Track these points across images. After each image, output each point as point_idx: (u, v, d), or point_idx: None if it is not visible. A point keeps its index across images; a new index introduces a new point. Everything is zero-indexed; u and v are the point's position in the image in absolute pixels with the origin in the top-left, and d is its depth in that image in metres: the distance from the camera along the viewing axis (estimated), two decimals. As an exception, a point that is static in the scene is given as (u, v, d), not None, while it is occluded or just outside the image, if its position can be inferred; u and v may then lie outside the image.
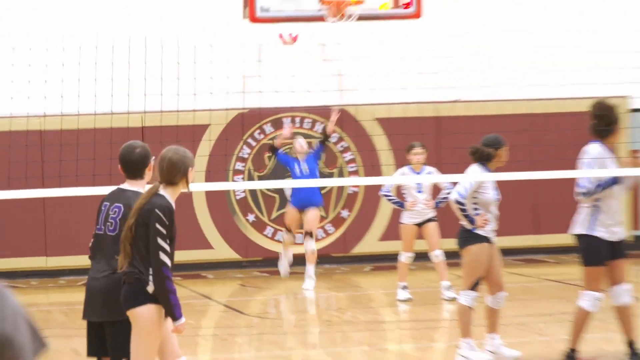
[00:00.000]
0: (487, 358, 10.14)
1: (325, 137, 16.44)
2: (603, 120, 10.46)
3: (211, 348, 14.25)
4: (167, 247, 7.57)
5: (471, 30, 19.65)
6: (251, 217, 19.01)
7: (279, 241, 18.35)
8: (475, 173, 11.49)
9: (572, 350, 10.16)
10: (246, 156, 19.32)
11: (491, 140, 10.74)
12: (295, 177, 16.29)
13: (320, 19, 15.82)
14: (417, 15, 15.90)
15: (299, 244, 17.49)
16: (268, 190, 19.36)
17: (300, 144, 16.78)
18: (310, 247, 16.42)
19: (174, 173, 7.54)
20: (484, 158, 10.38)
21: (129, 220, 7.29)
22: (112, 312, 7.99)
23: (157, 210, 7.53)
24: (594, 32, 19.72)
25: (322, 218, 18.93)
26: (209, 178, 16.82)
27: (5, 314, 3.01)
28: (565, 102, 19.18)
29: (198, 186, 15.13)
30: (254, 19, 16.06)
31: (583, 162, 10.91)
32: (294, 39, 18.25)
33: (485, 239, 10.42)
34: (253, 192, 19.37)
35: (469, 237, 10.47)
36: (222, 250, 19.27)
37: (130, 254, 7.43)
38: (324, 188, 18.40)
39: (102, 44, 15.44)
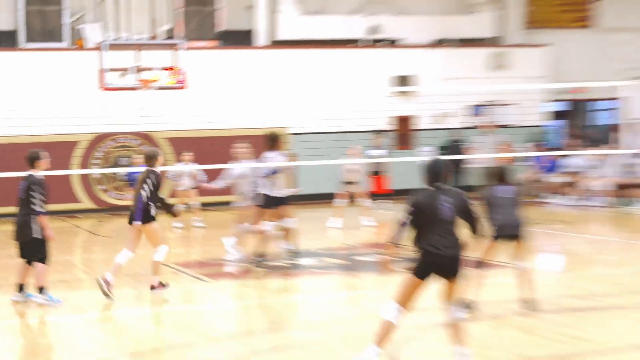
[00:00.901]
0: None
1: None
2: (271, 139, 15.67)
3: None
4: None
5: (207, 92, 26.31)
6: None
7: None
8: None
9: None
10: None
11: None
12: None
13: (137, 88, 24.54)
14: (183, 87, 22.47)
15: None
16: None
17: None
18: None
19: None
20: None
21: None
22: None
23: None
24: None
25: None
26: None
27: None
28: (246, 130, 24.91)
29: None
30: (104, 88, 22.57)
31: (267, 160, 15.45)
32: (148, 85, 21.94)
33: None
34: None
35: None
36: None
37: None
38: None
39: None
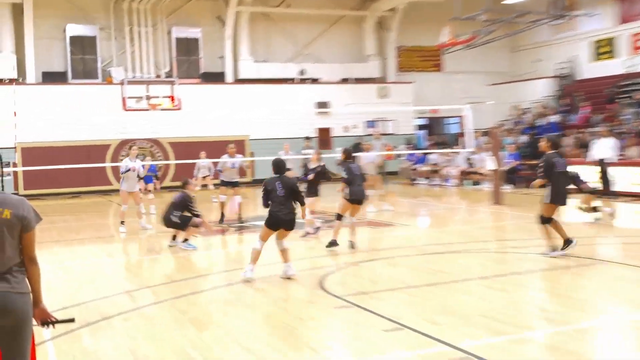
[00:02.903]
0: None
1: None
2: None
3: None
4: None
5: (197, 114, 27.17)
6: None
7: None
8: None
9: None
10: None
11: None
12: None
13: (148, 109, 24.87)
14: (179, 108, 24.51)
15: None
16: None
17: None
18: None
19: None
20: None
21: None
22: None
23: None
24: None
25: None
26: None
27: (27, 207, 4.14)
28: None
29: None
30: (126, 109, 24.82)
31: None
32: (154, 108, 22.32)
33: None
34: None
35: None
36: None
37: None
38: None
39: None
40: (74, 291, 8.89)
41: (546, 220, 9.92)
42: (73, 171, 23.62)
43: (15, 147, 24.14)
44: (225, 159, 15.46)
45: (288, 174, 9.33)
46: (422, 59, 32.18)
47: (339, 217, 11.18)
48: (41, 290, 4.20)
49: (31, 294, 4.11)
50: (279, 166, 9.19)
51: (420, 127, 32.39)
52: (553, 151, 9.94)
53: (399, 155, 26.04)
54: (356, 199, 11.08)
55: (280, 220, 8.92)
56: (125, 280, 9.75)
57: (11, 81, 24.77)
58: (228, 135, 25.90)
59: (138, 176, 14.43)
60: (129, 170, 14.33)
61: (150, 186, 17.95)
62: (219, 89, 27.79)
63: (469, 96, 30.18)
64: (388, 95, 30.10)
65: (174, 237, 12.07)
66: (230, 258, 11.69)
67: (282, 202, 8.92)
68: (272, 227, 8.98)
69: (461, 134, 28.23)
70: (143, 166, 14.99)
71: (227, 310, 7.66)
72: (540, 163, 9.97)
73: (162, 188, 24.74)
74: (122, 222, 14.45)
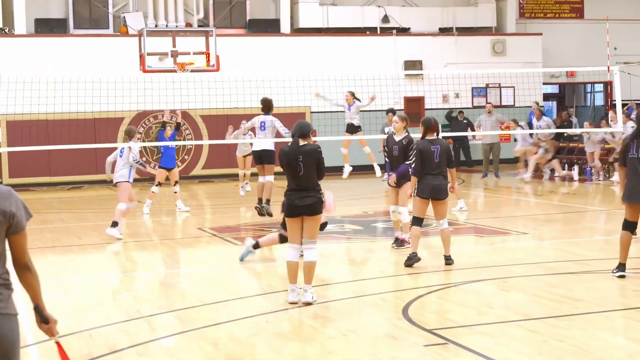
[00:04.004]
0: None
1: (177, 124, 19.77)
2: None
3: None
4: None
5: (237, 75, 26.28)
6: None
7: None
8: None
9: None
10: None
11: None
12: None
13: (174, 70, 25.19)
14: (217, 69, 24.11)
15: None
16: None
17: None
18: None
19: None
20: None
21: None
22: None
23: None
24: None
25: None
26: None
27: (15, 200, 4.27)
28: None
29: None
30: (145, 70, 25.32)
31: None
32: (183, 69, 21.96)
33: None
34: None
35: None
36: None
37: None
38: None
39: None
40: (75, 315, 9.09)
41: None
42: (74, 153, 24.15)
43: (-2, 121, 24.76)
44: None
45: None
46: (554, 2, 32.18)
47: (418, 221, 11.27)
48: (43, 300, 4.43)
49: (18, 316, 4.30)
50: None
51: (549, 96, 32.18)
52: None
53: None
54: (427, 195, 11.18)
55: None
56: (141, 301, 9.96)
57: (-6, 32, 25.52)
58: (282, 106, 25.92)
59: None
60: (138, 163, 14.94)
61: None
62: (271, 42, 28.19)
63: (621, 54, 29.73)
64: (505, 51, 29.99)
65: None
66: (280, 272, 11.79)
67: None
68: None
69: (610, 107, 27.86)
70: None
71: (276, 345, 7.75)
72: None
73: (189, 177, 25.10)
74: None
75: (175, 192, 18.71)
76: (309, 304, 9.02)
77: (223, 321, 8.69)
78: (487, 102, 27.99)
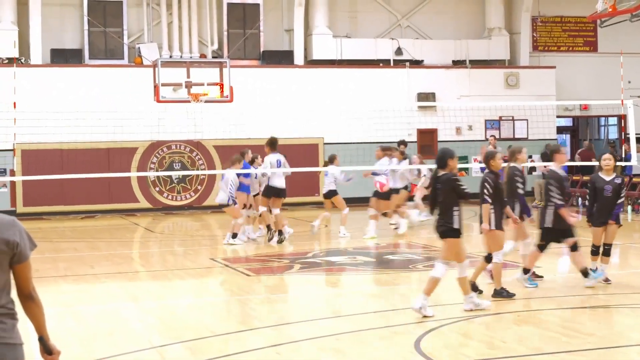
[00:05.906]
0: None
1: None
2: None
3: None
4: None
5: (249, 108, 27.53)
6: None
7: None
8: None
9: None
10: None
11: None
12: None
13: (188, 101, 25.24)
14: (230, 100, 24.47)
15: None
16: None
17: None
18: None
19: None
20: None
21: None
22: None
23: None
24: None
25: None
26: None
27: (19, 230, 4.25)
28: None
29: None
30: (159, 100, 25.42)
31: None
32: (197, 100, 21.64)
33: None
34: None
35: None
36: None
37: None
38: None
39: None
40: (86, 344, 9.07)
41: None
42: (88, 182, 24.23)
43: (13, 150, 24.69)
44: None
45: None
46: (567, 35, 32.15)
47: (488, 258, 11.42)
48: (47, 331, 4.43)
49: (23, 345, 4.30)
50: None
51: (563, 129, 32.12)
52: None
53: (532, 169, 25.72)
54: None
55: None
56: (154, 331, 9.93)
57: (10, 61, 25.35)
58: (295, 137, 26.27)
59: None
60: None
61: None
62: (284, 73, 28.24)
63: (634, 87, 29.84)
64: (518, 84, 30.02)
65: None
66: (292, 303, 11.75)
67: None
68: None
69: (623, 140, 27.86)
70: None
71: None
72: None
73: (201, 208, 25.07)
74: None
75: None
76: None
77: (233, 352, 8.65)
78: (490, 135, 27.96)
